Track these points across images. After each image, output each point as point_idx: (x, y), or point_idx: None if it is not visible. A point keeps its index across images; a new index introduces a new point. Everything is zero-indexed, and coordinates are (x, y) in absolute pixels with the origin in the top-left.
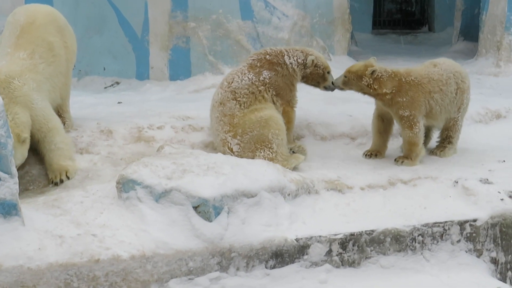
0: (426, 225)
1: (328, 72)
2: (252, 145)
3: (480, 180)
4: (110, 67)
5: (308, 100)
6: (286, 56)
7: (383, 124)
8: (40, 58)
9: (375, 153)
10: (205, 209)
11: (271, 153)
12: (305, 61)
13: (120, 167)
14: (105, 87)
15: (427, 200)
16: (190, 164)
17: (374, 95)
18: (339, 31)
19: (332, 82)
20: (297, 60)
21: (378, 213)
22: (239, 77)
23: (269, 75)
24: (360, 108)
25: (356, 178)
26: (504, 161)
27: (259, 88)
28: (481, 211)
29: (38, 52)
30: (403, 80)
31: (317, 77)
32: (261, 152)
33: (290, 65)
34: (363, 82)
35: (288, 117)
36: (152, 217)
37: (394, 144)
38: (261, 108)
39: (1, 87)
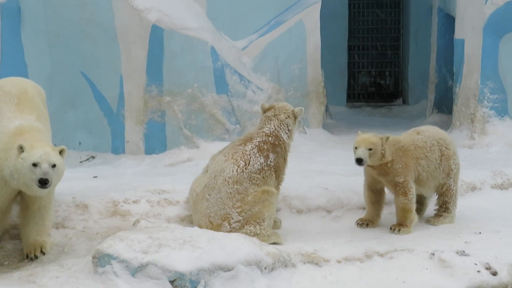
0: None
1: None
2: (247, 219)
3: (457, 252)
4: (85, 141)
5: None
6: (282, 132)
7: (374, 195)
8: (43, 125)
9: (366, 222)
10: (182, 283)
11: (260, 229)
12: (294, 121)
13: (96, 241)
14: (81, 162)
15: (404, 273)
16: (166, 238)
17: (378, 164)
18: (314, 104)
19: (359, 159)
20: (288, 128)
21: (355, 285)
22: (253, 161)
23: (274, 157)
24: (335, 181)
25: (332, 251)
26: (480, 232)
27: (267, 173)
28: (458, 283)
29: (41, 119)
30: (396, 146)
31: None
32: (250, 227)
33: (286, 140)
34: (382, 151)
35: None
36: None
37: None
38: (269, 191)
39: (40, 132)
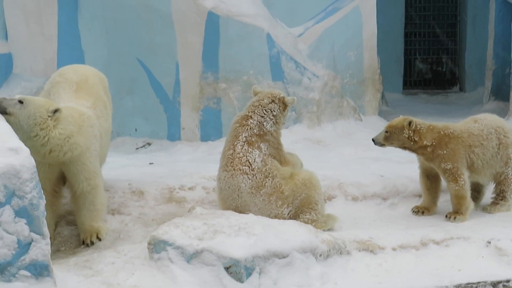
0: (458, 286)
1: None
2: (299, 208)
3: None
4: (141, 128)
5: (340, 160)
6: (265, 119)
7: (429, 181)
8: (100, 112)
9: (422, 210)
10: (237, 269)
11: (315, 214)
12: (281, 107)
13: (151, 228)
14: (137, 148)
15: (460, 261)
16: (221, 224)
17: (414, 148)
18: (370, 91)
19: (373, 139)
20: (272, 113)
21: (410, 273)
22: (251, 157)
23: (265, 146)
24: (391, 168)
25: (388, 238)
26: None
27: (270, 161)
28: None
29: (98, 107)
30: (442, 133)
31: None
32: (306, 215)
33: (269, 128)
34: (404, 135)
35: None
36: (183, 278)
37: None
38: (298, 173)
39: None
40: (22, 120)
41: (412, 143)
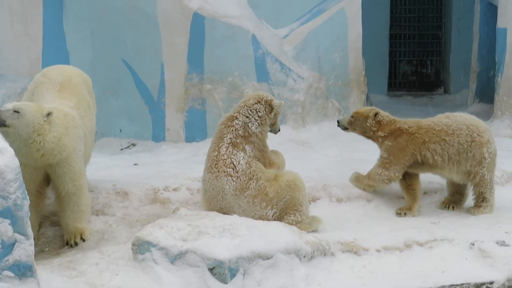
0: (442, 287)
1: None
2: (284, 210)
3: (497, 242)
4: (126, 128)
5: (325, 162)
6: (250, 120)
7: (405, 180)
8: (83, 112)
9: (404, 211)
10: (221, 271)
11: (300, 216)
12: (267, 109)
13: (136, 228)
14: (121, 149)
15: (444, 262)
16: (205, 225)
17: (373, 138)
18: (355, 92)
19: (337, 121)
20: (258, 114)
21: (394, 275)
22: (236, 160)
23: (250, 148)
24: None
25: (372, 240)
26: None
27: (254, 163)
28: (497, 273)
29: (81, 106)
30: (398, 126)
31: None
32: (290, 216)
33: (254, 130)
34: (367, 123)
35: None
36: (167, 279)
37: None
38: (283, 174)
39: (61, 114)
40: (21, 129)
41: (371, 132)
